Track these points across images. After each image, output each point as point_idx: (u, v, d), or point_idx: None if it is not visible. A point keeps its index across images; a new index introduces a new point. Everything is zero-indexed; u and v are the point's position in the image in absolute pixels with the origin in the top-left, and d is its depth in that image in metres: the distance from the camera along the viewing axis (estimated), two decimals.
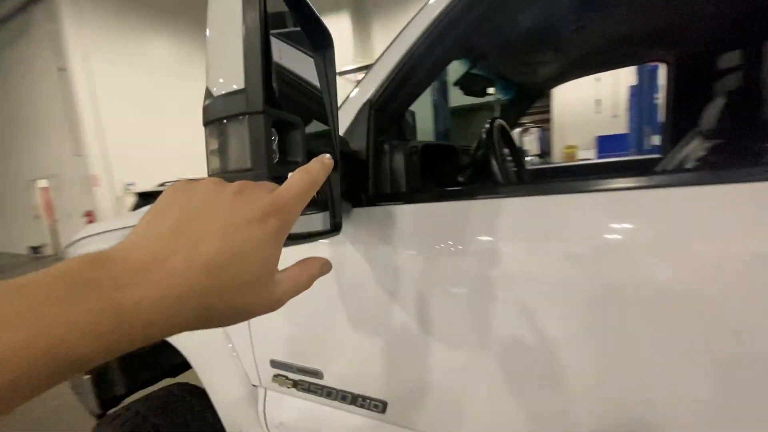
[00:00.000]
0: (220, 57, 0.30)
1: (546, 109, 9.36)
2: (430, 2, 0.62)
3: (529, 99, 1.73)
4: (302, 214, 0.47)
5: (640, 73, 5.84)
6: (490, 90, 1.55)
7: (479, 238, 0.51)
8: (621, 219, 0.44)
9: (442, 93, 3.82)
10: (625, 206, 0.44)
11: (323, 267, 0.31)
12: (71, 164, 7.72)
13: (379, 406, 0.60)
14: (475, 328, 0.52)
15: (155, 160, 8.25)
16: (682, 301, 0.40)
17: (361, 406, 0.62)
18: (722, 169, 0.42)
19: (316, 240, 0.44)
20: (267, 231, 0.24)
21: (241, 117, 0.29)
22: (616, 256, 0.43)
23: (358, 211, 0.62)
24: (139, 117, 8.15)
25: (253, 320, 0.73)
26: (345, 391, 0.63)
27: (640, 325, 0.42)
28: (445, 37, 0.64)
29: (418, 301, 0.56)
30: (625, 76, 6.27)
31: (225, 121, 0.30)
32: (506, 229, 0.50)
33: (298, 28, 0.44)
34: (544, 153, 9.71)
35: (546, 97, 8.89)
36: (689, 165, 1.31)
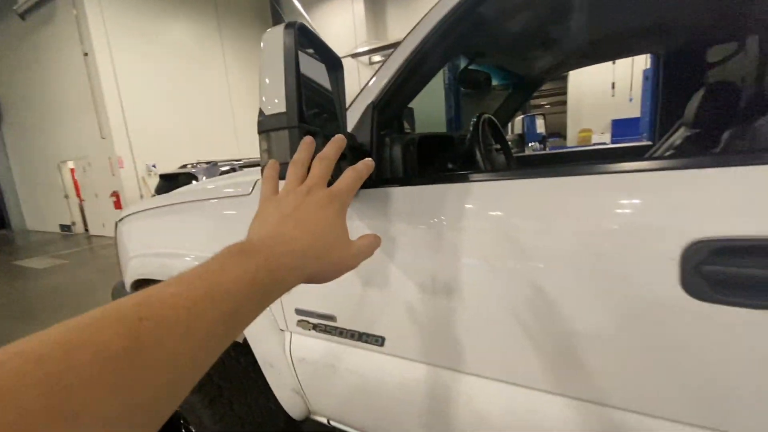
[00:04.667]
0: (269, 88, 0.47)
1: (563, 92, 9.20)
2: (430, 12, 0.76)
3: (529, 88, 1.85)
4: None
5: (653, 57, 5.75)
6: (493, 82, 1.68)
7: (455, 215, 0.67)
8: (560, 201, 0.60)
9: (455, 81, 3.97)
10: (564, 190, 0.60)
11: (378, 239, 0.46)
12: (97, 146, 8.09)
13: (379, 341, 0.79)
14: (454, 280, 0.69)
15: (176, 142, 8.61)
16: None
17: (365, 342, 0.80)
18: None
19: None
20: (332, 210, 0.40)
21: (283, 130, 0.46)
22: (555, 227, 0.59)
23: (364, 191, 0.79)
24: (160, 101, 8.47)
25: None
26: (353, 330, 0.82)
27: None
28: (442, 41, 0.77)
29: (407, 262, 0.73)
30: (642, 58, 6.18)
31: (273, 132, 0.47)
32: (479, 207, 0.66)
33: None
34: (560, 136, 9.62)
35: (561, 79, 8.78)
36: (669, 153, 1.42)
